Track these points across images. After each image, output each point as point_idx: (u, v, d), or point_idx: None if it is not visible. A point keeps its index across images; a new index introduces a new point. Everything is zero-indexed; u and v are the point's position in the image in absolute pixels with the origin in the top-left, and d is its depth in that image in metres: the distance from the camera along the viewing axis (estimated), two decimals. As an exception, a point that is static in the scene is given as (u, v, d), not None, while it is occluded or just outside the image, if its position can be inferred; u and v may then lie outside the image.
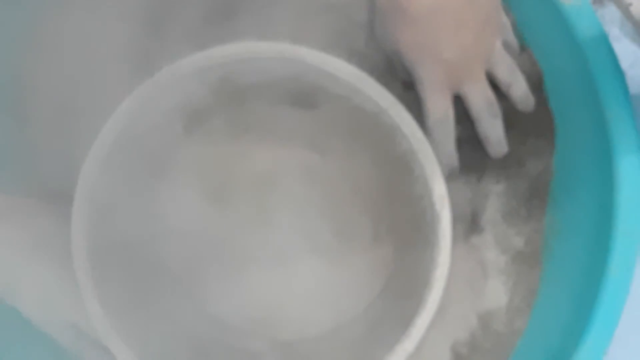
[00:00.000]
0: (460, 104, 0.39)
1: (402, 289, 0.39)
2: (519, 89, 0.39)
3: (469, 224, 0.42)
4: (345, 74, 0.35)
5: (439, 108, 0.38)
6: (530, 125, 0.41)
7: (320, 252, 0.43)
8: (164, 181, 0.43)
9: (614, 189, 0.36)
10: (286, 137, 0.43)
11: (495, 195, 0.42)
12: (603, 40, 0.37)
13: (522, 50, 0.41)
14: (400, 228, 0.42)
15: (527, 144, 0.41)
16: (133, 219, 0.40)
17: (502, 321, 0.41)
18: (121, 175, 0.37)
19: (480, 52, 0.37)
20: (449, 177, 0.38)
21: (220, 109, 0.42)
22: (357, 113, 0.38)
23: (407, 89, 0.40)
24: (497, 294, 0.41)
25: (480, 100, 0.38)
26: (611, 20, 0.49)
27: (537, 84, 0.40)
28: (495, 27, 0.38)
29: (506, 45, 0.39)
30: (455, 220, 0.42)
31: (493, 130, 0.39)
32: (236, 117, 0.43)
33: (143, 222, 0.41)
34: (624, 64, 0.48)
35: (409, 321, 0.34)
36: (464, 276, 0.42)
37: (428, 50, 0.36)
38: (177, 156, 0.43)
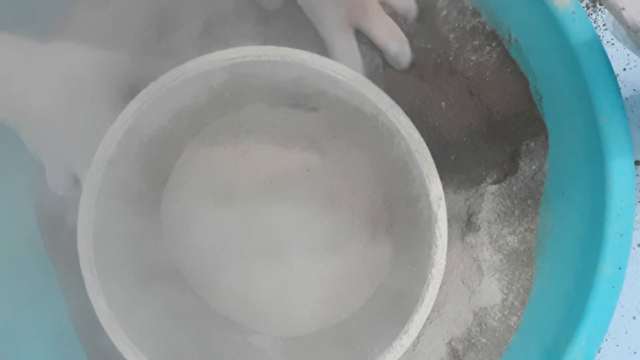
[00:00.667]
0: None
1: (400, 287, 0.39)
2: (416, 13, 0.41)
3: (465, 224, 0.43)
4: (345, 77, 0.35)
5: (343, 43, 0.40)
6: (524, 127, 0.42)
7: (320, 250, 0.43)
8: (167, 181, 0.43)
9: (606, 190, 0.36)
10: (287, 139, 0.43)
11: (490, 195, 0.42)
12: (596, 44, 0.37)
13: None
14: (398, 227, 0.43)
15: (521, 146, 0.42)
16: (138, 218, 0.40)
17: (497, 318, 0.42)
18: (126, 175, 0.38)
19: None
20: None
21: (223, 111, 0.42)
22: (356, 115, 0.39)
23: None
24: (492, 291, 0.42)
25: (380, 30, 0.40)
26: (604, 24, 0.50)
27: (524, 88, 0.41)
28: None
29: None
30: (452, 219, 0.43)
31: (402, 57, 0.41)
32: (238, 118, 0.43)
33: (147, 220, 0.42)
34: (617, 67, 0.49)
35: (406, 318, 0.34)
36: (460, 274, 0.42)
37: None
38: (180, 157, 0.43)
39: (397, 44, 0.40)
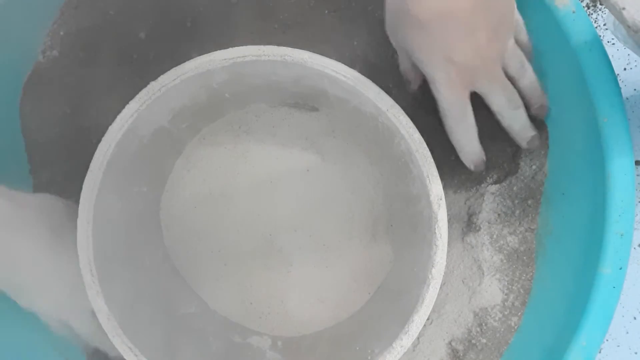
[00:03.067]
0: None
1: (400, 287, 0.39)
2: (529, 81, 0.39)
3: (465, 224, 0.43)
4: (345, 76, 0.35)
5: (455, 106, 0.37)
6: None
7: (320, 250, 0.43)
8: (167, 181, 0.43)
9: (607, 190, 0.36)
10: (287, 139, 0.43)
11: (490, 195, 0.42)
12: (596, 44, 0.37)
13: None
14: (398, 227, 0.43)
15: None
16: (137, 218, 0.40)
17: (498, 318, 0.42)
18: (126, 175, 0.38)
19: (494, 52, 0.36)
20: (476, 170, 0.40)
21: (223, 111, 0.42)
22: (356, 115, 0.39)
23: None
24: (492, 291, 0.42)
25: (500, 97, 0.38)
26: (604, 24, 0.50)
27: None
28: (508, 27, 0.37)
29: (519, 43, 0.38)
30: (452, 219, 0.43)
31: (516, 121, 0.39)
32: (238, 118, 0.43)
33: (147, 220, 0.42)
34: (617, 67, 0.49)
35: (406, 318, 0.34)
36: (461, 274, 0.42)
37: (439, 52, 0.35)
38: (180, 157, 0.43)
39: (510, 110, 0.38)
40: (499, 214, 0.42)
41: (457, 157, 0.40)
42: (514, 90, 0.38)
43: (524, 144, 0.40)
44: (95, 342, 0.38)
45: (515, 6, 0.37)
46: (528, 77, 0.39)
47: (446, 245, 0.34)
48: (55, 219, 0.37)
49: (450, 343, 0.42)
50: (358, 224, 0.43)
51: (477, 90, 0.37)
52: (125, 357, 0.35)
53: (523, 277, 0.42)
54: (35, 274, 0.36)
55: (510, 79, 0.38)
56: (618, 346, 0.49)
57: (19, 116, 0.44)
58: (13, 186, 0.37)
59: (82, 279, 0.35)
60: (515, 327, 0.42)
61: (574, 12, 0.37)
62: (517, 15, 0.38)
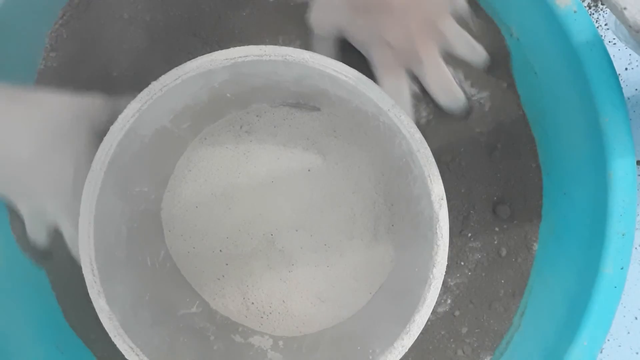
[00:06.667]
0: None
1: (401, 287, 0.39)
2: (479, 59, 0.40)
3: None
4: (346, 76, 0.35)
5: (392, 87, 0.39)
6: (521, 126, 0.42)
7: (322, 250, 0.43)
8: (168, 181, 0.43)
9: (608, 190, 0.36)
10: (288, 139, 0.43)
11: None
12: (598, 44, 0.37)
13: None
14: (400, 227, 0.43)
15: (521, 145, 0.42)
16: (138, 218, 0.40)
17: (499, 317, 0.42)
18: (127, 175, 0.38)
19: (427, 35, 0.38)
20: None
21: (224, 111, 0.42)
22: (357, 115, 0.39)
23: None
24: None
25: (434, 80, 0.40)
26: (606, 24, 0.50)
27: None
28: (441, 7, 0.39)
29: (457, 16, 0.40)
30: (453, 219, 0.43)
31: (454, 104, 0.41)
32: (240, 118, 0.43)
33: (148, 220, 0.42)
34: (619, 66, 0.49)
35: (407, 318, 0.34)
36: (462, 274, 0.42)
37: (375, 36, 0.38)
38: (181, 157, 0.43)
39: (445, 95, 0.40)
40: (500, 214, 0.42)
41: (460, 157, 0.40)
42: (450, 79, 0.40)
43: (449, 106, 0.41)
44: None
45: None
46: (479, 57, 0.40)
47: (447, 245, 0.34)
48: (50, 114, 0.36)
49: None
50: (359, 224, 0.43)
51: (413, 72, 0.40)
52: (127, 357, 0.35)
53: (524, 277, 0.42)
54: (24, 172, 0.35)
55: (461, 58, 0.40)
56: (619, 346, 0.49)
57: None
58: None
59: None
60: (517, 327, 0.42)
61: (575, 11, 0.37)
62: None
